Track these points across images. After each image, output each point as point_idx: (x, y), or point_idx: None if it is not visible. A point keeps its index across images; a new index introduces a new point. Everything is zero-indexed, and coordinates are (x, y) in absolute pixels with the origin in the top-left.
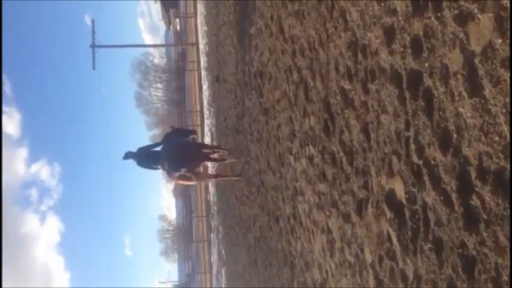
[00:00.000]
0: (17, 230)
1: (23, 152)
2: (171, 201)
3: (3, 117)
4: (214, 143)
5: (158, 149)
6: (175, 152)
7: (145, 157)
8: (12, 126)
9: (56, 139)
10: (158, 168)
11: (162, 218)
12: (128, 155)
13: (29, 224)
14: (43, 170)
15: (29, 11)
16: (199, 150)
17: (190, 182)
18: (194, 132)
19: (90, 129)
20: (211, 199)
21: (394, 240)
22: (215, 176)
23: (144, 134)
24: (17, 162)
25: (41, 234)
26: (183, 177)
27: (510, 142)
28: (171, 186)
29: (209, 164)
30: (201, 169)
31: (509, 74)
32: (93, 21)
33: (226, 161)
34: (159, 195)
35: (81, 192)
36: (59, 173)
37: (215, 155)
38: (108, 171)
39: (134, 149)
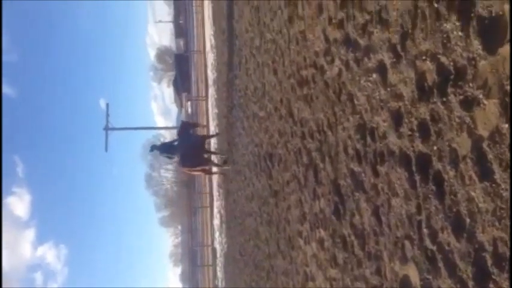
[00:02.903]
0: None
1: (30, 234)
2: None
3: (13, 198)
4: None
5: (175, 143)
6: (185, 150)
7: (165, 149)
8: (21, 207)
9: (64, 221)
10: (173, 158)
11: None
12: (153, 148)
13: None
14: (49, 253)
15: (46, 92)
16: (202, 151)
17: (194, 173)
18: (199, 125)
19: (99, 211)
20: (219, 285)
21: None
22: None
23: (153, 215)
24: (24, 245)
25: None
26: (188, 170)
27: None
28: (178, 270)
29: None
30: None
31: None
32: (107, 105)
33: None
34: (166, 279)
35: (87, 276)
36: (65, 256)
37: (211, 161)
38: (115, 255)
39: (158, 143)
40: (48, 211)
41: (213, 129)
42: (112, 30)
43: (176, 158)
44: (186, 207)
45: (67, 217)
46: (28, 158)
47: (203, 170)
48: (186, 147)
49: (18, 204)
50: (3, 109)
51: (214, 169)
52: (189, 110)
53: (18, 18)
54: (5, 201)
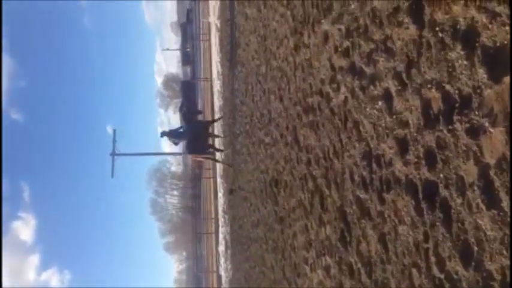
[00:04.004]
0: None
1: (34, 260)
2: None
3: (18, 223)
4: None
5: (181, 130)
6: (191, 137)
7: (174, 135)
8: (26, 232)
9: (68, 246)
10: (179, 143)
11: None
12: (163, 134)
13: None
14: (53, 278)
15: (54, 118)
16: (207, 138)
17: (199, 159)
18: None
19: (104, 237)
20: None
21: None
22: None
23: (157, 241)
24: (28, 270)
25: None
26: (195, 157)
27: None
28: None
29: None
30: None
31: None
32: (114, 131)
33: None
34: None
35: None
36: (69, 281)
37: (214, 147)
38: (119, 280)
39: (167, 130)
40: (53, 236)
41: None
42: (120, 58)
43: (183, 144)
44: (191, 233)
45: (72, 242)
46: (34, 183)
47: (208, 158)
48: (192, 135)
49: (24, 229)
50: (12, 135)
51: (218, 156)
52: None
53: (27, 45)
54: (10, 226)
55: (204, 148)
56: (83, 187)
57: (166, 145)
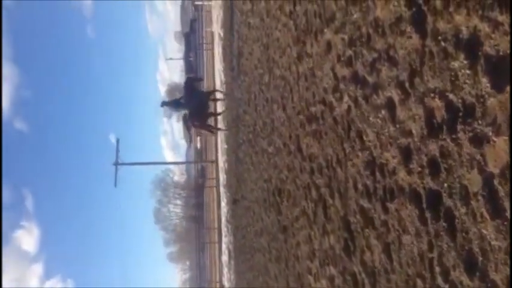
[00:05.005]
0: None
1: (38, 269)
2: None
3: (21, 232)
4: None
5: (182, 100)
6: (191, 109)
7: (174, 105)
8: (29, 242)
9: (72, 255)
10: (179, 111)
11: None
12: (163, 103)
13: None
14: None
15: (58, 128)
16: (206, 109)
17: (201, 130)
18: (202, 79)
19: (107, 246)
20: None
21: None
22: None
23: (161, 251)
24: (31, 280)
25: None
26: (197, 126)
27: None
28: None
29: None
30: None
31: None
32: (117, 140)
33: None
34: None
35: None
36: None
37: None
38: None
39: (167, 100)
40: (56, 245)
41: (221, 164)
42: (124, 67)
43: (183, 113)
44: (194, 243)
45: (75, 251)
46: (38, 192)
47: (208, 130)
48: (193, 106)
49: (27, 238)
50: (16, 144)
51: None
52: (198, 145)
53: (32, 55)
54: (13, 235)
55: (205, 118)
56: (86, 196)
57: (169, 154)
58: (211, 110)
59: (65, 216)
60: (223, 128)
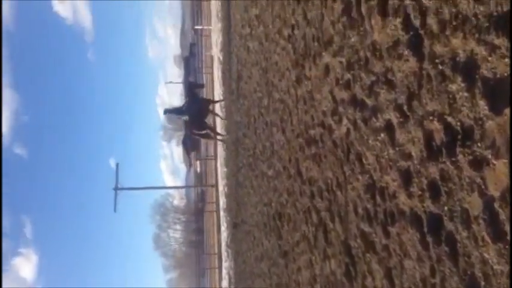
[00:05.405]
0: None
1: None
2: None
3: (20, 260)
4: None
5: (183, 108)
6: (192, 115)
7: (176, 112)
8: (28, 269)
9: (70, 282)
10: (182, 117)
11: None
12: (166, 111)
13: None
14: None
15: (57, 153)
16: (206, 116)
17: (201, 137)
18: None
19: (107, 272)
20: None
21: None
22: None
23: (161, 277)
24: None
25: None
26: (195, 134)
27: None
28: None
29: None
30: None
31: None
32: (117, 165)
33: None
34: None
35: None
36: None
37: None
38: None
39: (170, 108)
40: (55, 273)
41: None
42: (123, 91)
43: (185, 119)
44: (194, 268)
45: (73, 278)
46: (36, 218)
47: (208, 136)
48: (193, 113)
49: (25, 265)
50: (15, 169)
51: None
52: (198, 169)
53: (32, 80)
54: (11, 262)
55: (204, 124)
56: (85, 222)
57: (169, 178)
58: (209, 120)
59: (64, 243)
60: (223, 135)
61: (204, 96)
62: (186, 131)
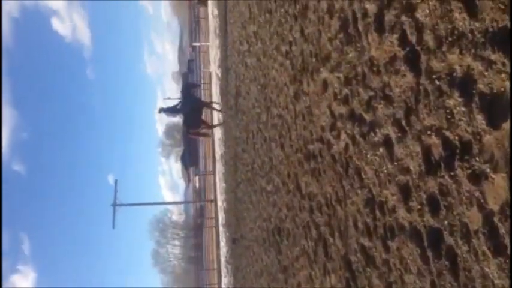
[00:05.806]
0: None
1: None
2: None
3: (17, 277)
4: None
5: (178, 107)
6: (187, 114)
7: (171, 111)
8: (25, 286)
9: None
10: (177, 115)
11: None
12: (161, 110)
13: None
14: None
15: (55, 169)
16: (200, 115)
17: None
18: (199, 85)
19: None
20: None
21: None
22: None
23: None
24: None
25: None
26: (194, 133)
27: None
28: None
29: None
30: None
31: None
32: (116, 182)
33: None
34: None
35: None
36: None
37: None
38: None
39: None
40: None
41: (220, 203)
42: (122, 108)
43: (181, 118)
44: (193, 284)
45: None
46: (34, 235)
47: (204, 134)
48: (188, 111)
49: (23, 282)
50: (13, 187)
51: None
52: (197, 184)
53: (30, 97)
54: (9, 279)
55: (199, 121)
56: (83, 238)
57: (168, 194)
58: (204, 118)
59: (62, 260)
60: (222, 115)
61: (200, 97)
62: (184, 125)
